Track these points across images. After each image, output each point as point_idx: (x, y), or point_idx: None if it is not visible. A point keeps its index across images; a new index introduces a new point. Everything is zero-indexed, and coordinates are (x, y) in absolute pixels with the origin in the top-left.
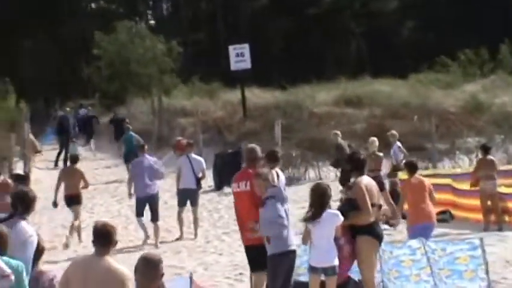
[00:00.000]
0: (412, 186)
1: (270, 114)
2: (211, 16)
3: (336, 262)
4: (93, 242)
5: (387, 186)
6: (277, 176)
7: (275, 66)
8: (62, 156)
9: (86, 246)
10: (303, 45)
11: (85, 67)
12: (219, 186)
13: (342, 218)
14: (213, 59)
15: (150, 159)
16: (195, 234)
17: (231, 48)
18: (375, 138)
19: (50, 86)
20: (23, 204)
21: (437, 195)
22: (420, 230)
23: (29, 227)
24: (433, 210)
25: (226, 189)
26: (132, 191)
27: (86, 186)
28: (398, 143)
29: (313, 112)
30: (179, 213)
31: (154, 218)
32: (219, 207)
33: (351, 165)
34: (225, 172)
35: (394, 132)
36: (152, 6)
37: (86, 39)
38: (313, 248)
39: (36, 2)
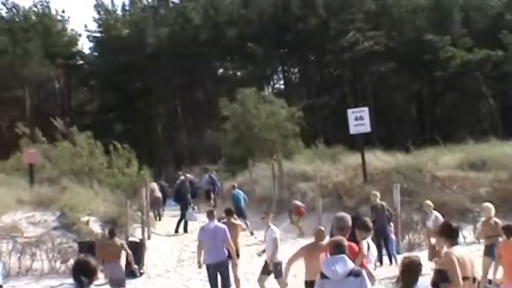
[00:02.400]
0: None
1: (391, 178)
2: (338, 80)
3: None
4: None
5: None
6: (368, 246)
7: (402, 128)
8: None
9: None
10: (430, 107)
11: (211, 132)
12: None
13: None
14: (338, 122)
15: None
16: None
17: (349, 111)
18: (490, 205)
19: (179, 151)
20: (87, 274)
21: None
22: None
23: None
24: None
25: None
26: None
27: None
28: None
29: (435, 176)
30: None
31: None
32: None
33: (442, 234)
34: None
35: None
36: (282, 70)
37: (212, 105)
38: None
39: (171, 69)
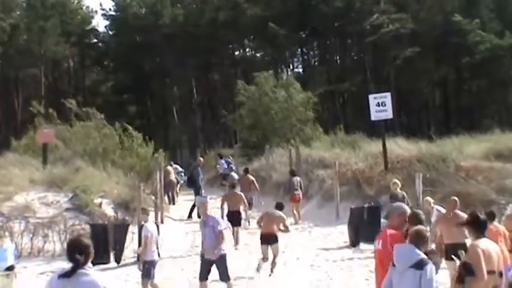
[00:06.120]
0: None
1: (413, 167)
2: (359, 65)
3: None
4: None
5: None
6: None
7: (425, 116)
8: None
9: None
10: (456, 94)
11: (228, 115)
12: (354, 242)
13: None
14: (359, 108)
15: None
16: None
17: (371, 97)
18: None
19: (195, 134)
20: (82, 252)
21: None
22: None
23: (100, 276)
24: None
25: (362, 246)
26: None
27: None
28: None
29: (459, 165)
30: None
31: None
32: (351, 265)
33: (469, 225)
34: (362, 227)
35: None
36: (301, 53)
37: (229, 87)
38: None
39: (187, 50)
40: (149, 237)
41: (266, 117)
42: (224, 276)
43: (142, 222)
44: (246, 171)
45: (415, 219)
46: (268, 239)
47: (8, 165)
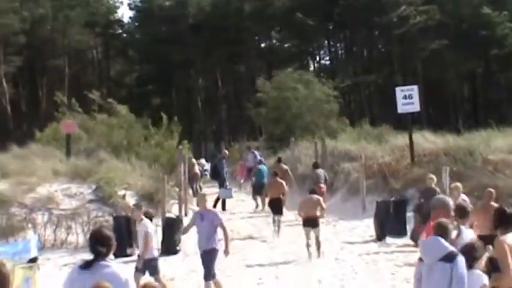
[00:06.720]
0: None
1: (440, 160)
2: (386, 57)
3: None
4: None
5: None
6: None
7: (453, 109)
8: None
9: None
10: (484, 87)
11: (252, 108)
12: (380, 236)
13: (486, 282)
14: (385, 101)
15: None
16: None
17: (398, 90)
18: None
19: (219, 126)
20: (104, 244)
21: None
22: None
23: (121, 268)
24: None
25: (388, 240)
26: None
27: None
28: None
29: (487, 159)
30: None
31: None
32: (376, 259)
33: (496, 220)
34: (388, 221)
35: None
36: (327, 44)
37: (254, 79)
38: None
39: (213, 41)
40: (150, 234)
41: (289, 112)
42: (207, 273)
43: (142, 217)
44: (279, 160)
45: (463, 211)
46: (311, 222)
47: (31, 156)
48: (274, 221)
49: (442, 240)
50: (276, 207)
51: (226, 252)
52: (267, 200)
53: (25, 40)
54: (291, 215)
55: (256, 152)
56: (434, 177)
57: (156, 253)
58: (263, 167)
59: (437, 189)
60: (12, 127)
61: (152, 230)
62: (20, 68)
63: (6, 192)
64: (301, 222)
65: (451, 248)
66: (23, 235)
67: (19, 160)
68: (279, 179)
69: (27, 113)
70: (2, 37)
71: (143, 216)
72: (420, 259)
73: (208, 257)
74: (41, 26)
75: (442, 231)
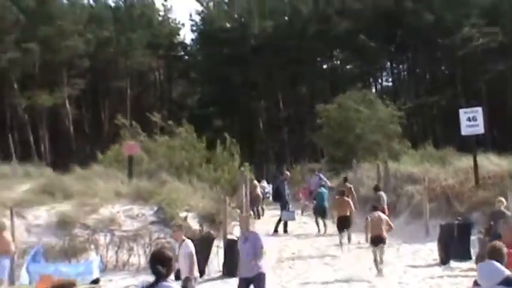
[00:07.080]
0: None
1: (505, 183)
2: (449, 78)
3: None
4: None
5: None
6: None
7: None
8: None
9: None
10: None
11: (313, 132)
12: (444, 260)
13: None
14: (448, 123)
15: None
16: None
17: (461, 112)
18: None
19: (281, 148)
20: (164, 264)
21: None
22: None
23: None
24: None
25: (453, 264)
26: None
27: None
28: None
29: None
30: None
31: None
32: (440, 283)
33: None
34: (452, 245)
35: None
36: (390, 66)
37: (317, 101)
38: None
39: (275, 62)
40: (193, 255)
41: (351, 133)
42: None
43: (184, 237)
44: (345, 179)
45: None
46: (378, 241)
47: (94, 177)
48: (341, 243)
49: (498, 264)
50: (345, 224)
51: None
52: (331, 221)
53: (89, 63)
54: (352, 237)
55: (321, 175)
56: (503, 199)
57: (196, 273)
58: (323, 190)
59: (507, 212)
60: (75, 149)
61: (193, 250)
62: (83, 91)
63: (69, 213)
64: (370, 241)
65: (508, 272)
66: (85, 256)
67: (82, 181)
68: (345, 198)
69: (90, 134)
70: (66, 59)
71: (184, 237)
72: (476, 283)
73: (258, 281)
74: (104, 48)
75: (497, 255)
